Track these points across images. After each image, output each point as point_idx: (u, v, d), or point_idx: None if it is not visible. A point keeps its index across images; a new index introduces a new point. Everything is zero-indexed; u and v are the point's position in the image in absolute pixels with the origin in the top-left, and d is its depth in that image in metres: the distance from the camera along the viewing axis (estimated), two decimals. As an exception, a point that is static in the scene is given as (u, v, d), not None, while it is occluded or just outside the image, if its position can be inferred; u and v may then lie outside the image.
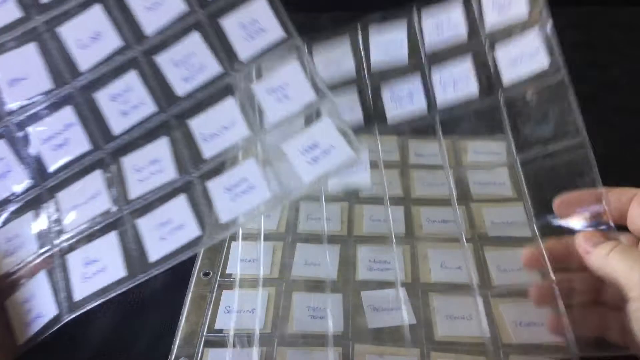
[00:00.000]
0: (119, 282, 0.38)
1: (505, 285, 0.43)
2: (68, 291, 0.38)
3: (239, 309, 0.42)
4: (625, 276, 0.32)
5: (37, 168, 0.40)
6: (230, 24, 0.40)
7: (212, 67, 0.40)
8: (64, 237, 0.39)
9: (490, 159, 0.53)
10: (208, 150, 0.40)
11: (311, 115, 0.39)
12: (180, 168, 0.39)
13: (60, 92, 0.40)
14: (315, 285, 0.43)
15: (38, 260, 0.39)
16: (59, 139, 0.40)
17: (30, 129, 0.40)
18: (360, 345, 0.39)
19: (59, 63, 0.40)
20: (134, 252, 0.38)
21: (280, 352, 0.39)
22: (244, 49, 0.40)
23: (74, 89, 0.40)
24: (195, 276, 0.45)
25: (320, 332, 0.40)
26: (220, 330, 0.41)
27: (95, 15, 0.40)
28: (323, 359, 0.39)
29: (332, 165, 0.37)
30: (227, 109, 0.40)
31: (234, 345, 0.40)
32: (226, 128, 0.39)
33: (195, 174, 0.39)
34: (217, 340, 0.40)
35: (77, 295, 0.38)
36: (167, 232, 0.38)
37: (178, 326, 0.41)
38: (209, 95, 0.40)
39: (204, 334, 0.41)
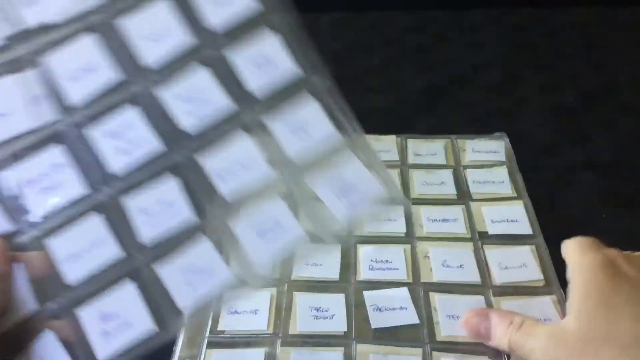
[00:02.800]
0: (149, 339, 0.33)
1: (507, 283, 0.43)
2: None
3: (242, 310, 0.42)
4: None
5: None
6: (241, 59, 0.38)
7: (222, 103, 0.37)
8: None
9: (489, 158, 0.53)
10: (228, 191, 0.35)
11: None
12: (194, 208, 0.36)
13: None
14: (318, 286, 0.43)
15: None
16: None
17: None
18: (363, 345, 0.39)
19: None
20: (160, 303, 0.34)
21: (283, 352, 0.39)
22: (257, 84, 0.37)
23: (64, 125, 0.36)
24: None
25: (323, 332, 0.40)
26: (223, 331, 0.41)
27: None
28: (326, 359, 0.38)
29: (365, 204, 0.36)
30: (244, 147, 0.37)
31: (237, 346, 0.40)
32: (245, 167, 0.36)
33: (214, 215, 0.35)
34: (220, 342, 0.40)
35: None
36: (194, 278, 0.34)
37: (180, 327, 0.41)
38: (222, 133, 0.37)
39: (207, 335, 0.40)
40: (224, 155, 0.36)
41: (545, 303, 0.41)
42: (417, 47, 0.69)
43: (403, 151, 0.54)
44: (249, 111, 0.37)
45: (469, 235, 0.46)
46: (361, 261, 0.45)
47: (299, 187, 0.36)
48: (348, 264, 0.45)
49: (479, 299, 0.42)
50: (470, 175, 0.51)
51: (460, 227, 0.47)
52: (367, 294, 0.42)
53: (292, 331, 0.40)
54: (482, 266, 0.44)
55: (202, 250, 0.35)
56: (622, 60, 0.65)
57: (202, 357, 0.39)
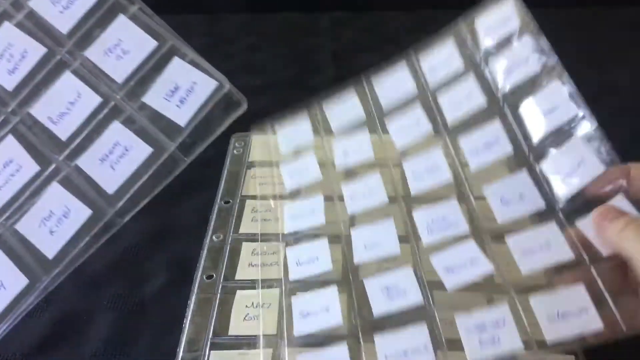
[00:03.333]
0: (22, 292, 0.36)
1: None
2: None
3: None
4: (638, 256, 0.31)
5: None
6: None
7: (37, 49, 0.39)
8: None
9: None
10: (63, 132, 0.38)
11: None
12: (39, 159, 0.38)
13: None
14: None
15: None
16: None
17: None
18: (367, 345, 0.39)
19: None
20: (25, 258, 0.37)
21: (287, 353, 0.39)
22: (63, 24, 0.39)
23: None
24: (198, 279, 0.44)
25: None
26: (227, 333, 0.40)
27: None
28: (332, 357, 0.38)
29: (201, 100, 0.36)
30: (68, 85, 0.38)
31: (240, 348, 0.39)
32: (73, 103, 0.38)
33: (60, 157, 0.37)
34: (224, 343, 0.40)
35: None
36: (54, 224, 0.36)
37: (183, 329, 0.41)
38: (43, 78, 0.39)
39: (210, 336, 0.40)
40: (51, 100, 0.38)
41: None
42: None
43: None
44: (63, 51, 0.39)
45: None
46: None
47: (137, 104, 0.37)
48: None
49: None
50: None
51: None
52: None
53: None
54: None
55: (53, 196, 0.36)
56: (622, 61, 0.65)
57: (206, 358, 0.39)
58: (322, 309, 0.40)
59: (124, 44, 0.37)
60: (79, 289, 0.46)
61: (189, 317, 0.42)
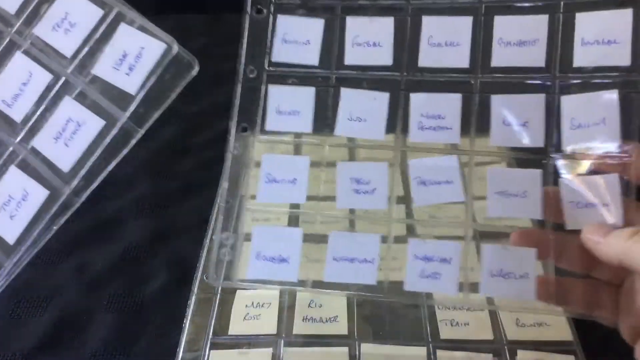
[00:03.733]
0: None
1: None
2: None
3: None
4: None
5: None
6: None
7: None
8: None
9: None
10: (17, 114, 0.37)
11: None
12: None
13: None
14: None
15: None
16: None
17: None
18: (367, 345, 0.39)
19: None
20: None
21: (287, 352, 0.39)
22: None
23: None
24: (198, 279, 0.44)
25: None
26: (227, 333, 0.40)
27: None
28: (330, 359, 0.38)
29: (150, 64, 0.35)
30: (19, 65, 0.38)
31: (241, 347, 0.39)
32: (26, 84, 0.37)
33: (16, 140, 0.37)
34: (224, 343, 0.40)
35: None
36: (13, 208, 0.36)
37: (183, 329, 0.41)
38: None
39: (210, 336, 0.40)
40: (4, 82, 0.38)
41: None
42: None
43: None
44: (12, 31, 0.39)
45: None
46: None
47: (87, 77, 0.36)
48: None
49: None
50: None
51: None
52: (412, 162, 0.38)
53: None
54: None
55: (11, 180, 0.36)
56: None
57: (206, 358, 0.39)
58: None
59: (71, 17, 0.37)
60: (79, 289, 0.46)
61: (189, 317, 0.42)
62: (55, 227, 0.36)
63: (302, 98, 0.39)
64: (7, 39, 0.39)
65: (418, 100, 0.38)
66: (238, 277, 0.37)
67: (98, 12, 0.37)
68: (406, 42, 0.38)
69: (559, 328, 0.39)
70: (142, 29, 0.35)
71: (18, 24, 0.38)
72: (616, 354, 0.33)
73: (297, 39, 0.39)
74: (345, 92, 0.38)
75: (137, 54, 0.35)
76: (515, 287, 0.34)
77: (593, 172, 0.34)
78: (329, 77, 0.39)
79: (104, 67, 0.36)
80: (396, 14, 0.38)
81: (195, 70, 0.36)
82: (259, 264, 0.36)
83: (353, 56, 0.38)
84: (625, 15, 0.34)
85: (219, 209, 0.39)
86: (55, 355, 0.41)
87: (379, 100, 0.38)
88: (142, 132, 0.36)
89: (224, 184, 0.39)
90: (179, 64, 0.35)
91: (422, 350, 0.39)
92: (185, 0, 0.82)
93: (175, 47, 0.34)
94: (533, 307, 0.35)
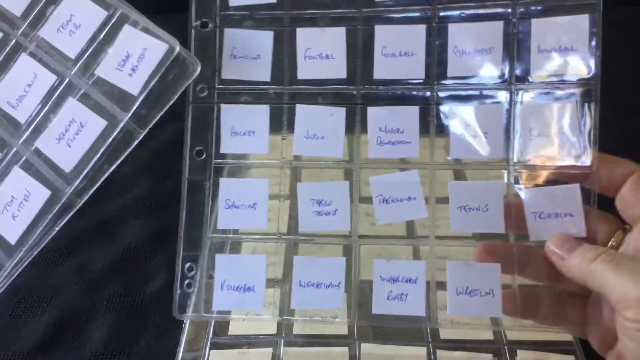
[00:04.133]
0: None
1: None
2: None
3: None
4: (621, 290, 0.28)
5: None
6: None
7: None
8: None
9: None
10: (22, 115, 0.37)
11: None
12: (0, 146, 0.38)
13: None
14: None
15: None
16: None
17: None
18: (366, 344, 0.39)
19: None
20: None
21: (287, 352, 0.39)
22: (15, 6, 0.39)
23: None
24: (198, 279, 0.44)
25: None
26: (227, 333, 0.40)
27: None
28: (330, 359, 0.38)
29: (152, 65, 0.35)
30: (24, 67, 0.38)
31: (240, 347, 0.39)
32: (30, 85, 0.37)
33: (19, 141, 0.37)
34: (224, 343, 0.40)
35: None
36: (15, 208, 0.36)
37: (183, 329, 0.41)
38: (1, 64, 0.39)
39: (210, 336, 0.40)
40: (10, 84, 0.38)
41: None
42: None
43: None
44: (18, 33, 0.39)
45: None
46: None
47: (91, 79, 0.36)
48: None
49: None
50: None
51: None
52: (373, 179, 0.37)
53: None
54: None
55: (14, 181, 0.37)
56: (622, 60, 0.65)
57: (206, 358, 0.39)
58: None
59: (75, 19, 0.37)
60: (79, 289, 0.46)
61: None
62: (56, 228, 0.36)
63: (256, 117, 0.38)
64: (13, 41, 0.39)
65: (375, 115, 0.37)
66: (203, 310, 0.37)
67: (102, 14, 0.37)
68: (359, 53, 0.37)
69: (559, 328, 0.39)
70: (145, 30, 0.35)
71: (24, 27, 0.39)
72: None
73: (246, 53, 0.38)
74: (301, 109, 0.37)
75: (139, 55, 0.35)
76: (482, 305, 0.34)
77: (554, 182, 0.34)
78: (282, 93, 0.38)
79: (107, 68, 0.36)
80: (347, 24, 0.37)
81: (197, 72, 0.36)
82: (224, 294, 0.36)
83: (306, 70, 0.37)
84: (582, 21, 0.34)
85: (179, 241, 0.38)
86: (55, 355, 0.41)
87: (336, 116, 0.37)
88: (143, 133, 0.36)
89: (182, 213, 0.38)
90: (181, 64, 0.35)
91: (422, 350, 0.39)
92: (186, 0, 0.82)
93: (177, 48, 0.34)
94: (501, 323, 0.35)
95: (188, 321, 0.41)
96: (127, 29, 0.36)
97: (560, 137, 0.34)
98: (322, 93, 0.38)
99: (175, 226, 0.51)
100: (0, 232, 0.36)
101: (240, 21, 0.38)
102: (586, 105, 0.34)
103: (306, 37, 0.37)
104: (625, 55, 0.66)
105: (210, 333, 0.40)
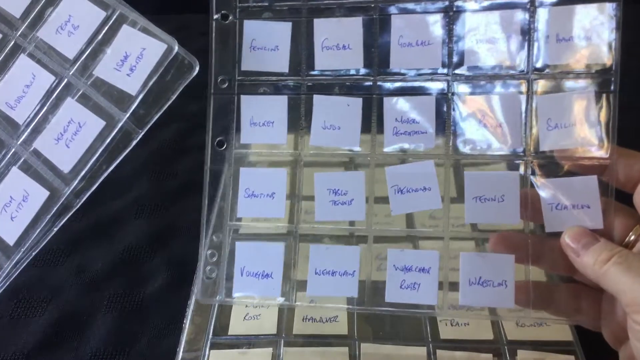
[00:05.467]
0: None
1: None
2: None
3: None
4: (631, 295, 0.29)
5: None
6: None
7: None
8: None
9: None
10: (20, 116, 0.37)
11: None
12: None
13: None
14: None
15: None
16: None
17: None
18: (367, 344, 0.39)
19: None
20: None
21: (287, 352, 0.39)
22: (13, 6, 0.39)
23: None
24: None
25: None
26: (227, 333, 0.40)
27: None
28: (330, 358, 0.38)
29: (151, 65, 0.35)
30: (23, 68, 0.38)
31: (240, 347, 0.39)
32: (28, 86, 0.38)
33: (18, 142, 0.37)
34: (224, 343, 0.40)
35: None
36: (14, 209, 0.36)
37: (182, 328, 0.41)
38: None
39: (210, 336, 0.40)
40: (9, 85, 0.38)
41: None
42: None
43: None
44: (17, 34, 0.39)
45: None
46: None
47: (89, 79, 0.36)
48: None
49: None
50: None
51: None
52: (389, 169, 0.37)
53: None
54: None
55: (13, 181, 0.37)
56: (622, 60, 0.65)
57: (206, 358, 0.39)
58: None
59: (74, 19, 0.37)
60: (79, 289, 0.46)
61: (189, 317, 0.42)
62: (55, 229, 0.36)
63: (275, 108, 0.38)
64: (12, 42, 0.39)
65: (392, 105, 0.37)
66: (224, 294, 0.37)
67: (100, 14, 0.37)
68: (376, 43, 0.37)
69: (559, 328, 0.39)
70: (143, 30, 0.35)
71: (23, 27, 0.39)
72: (616, 354, 0.33)
73: (265, 45, 0.38)
74: (318, 100, 0.38)
75: (138, 55, 0.35)
76: (494, 295, 0.34)
77: (571, 173, 0.34)
78: (301, 84, 0.38)
79: (105, 69, 0.36)
80: (364, 14, 0.37)
81: (195, 71, 0.36)
82: (244, 280, 0.37)
83: (323, 60, 0.38)
84: (603, 10, 0.34)
85: (202, 227, 0.39)
86: (55, 355, 0.41)
87: (352, 106, 0.37)
88: (142, 133, 0.36)
89: (204, 201, 0.39)
90: (180, 64, 0.35)
91: (422, 350, 0.39)
92: (185, 0, 0.82)
93: (176, 48, 0.35)
94: (512, 315, 0.35)
95: (188, 321, 0.41)
96: (125, 29, 0.36)
97: (577, 128, 0.34)
98: (338, 83, 0.38)
99: (175, 226, 0.51)
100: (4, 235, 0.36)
101: (259, 13, 0.39)
102: (604, 96, 0.34)
103: (323, 28, 0.38)
104: (626, 55, 0.66)
105: (210, 333, 0.40)
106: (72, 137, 0.36)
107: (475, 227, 0.38)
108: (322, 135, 0.37)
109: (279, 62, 0.38)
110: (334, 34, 0.37)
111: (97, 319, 0.44)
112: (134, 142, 0.36)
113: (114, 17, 0.36)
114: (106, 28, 0.37)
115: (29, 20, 0.39)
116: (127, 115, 0.35)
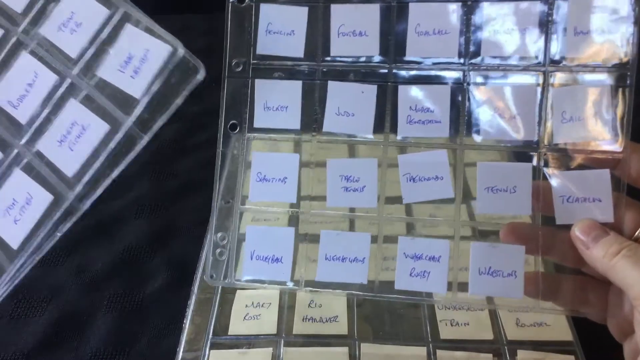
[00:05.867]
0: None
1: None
2: None
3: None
4: (637, 289, 0.29)
5: None
6: None
7: None
8: None
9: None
10: (22, 115, 0.37)
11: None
12: (1, 147, 0.37)
13: None
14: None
15: None
16: None
17: None
18: (367, 344, 0.39)
19: None
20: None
21: (287, 352, 0.39)
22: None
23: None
24: (198, 279, 0.44)
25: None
26: (227, 333, 0.40)
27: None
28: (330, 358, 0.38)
29: (155, 68, 0.34)
30: (25, 66, 0.37)
31: (240, 347, 0.40)
32: (31, 85, 0.37)
33: (21, 142, 0.37)
34: (224, 343, 0.40)
35: None
36: (17, 212, 0.36)
37: (182, 328, 0.41)
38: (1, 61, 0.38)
39: (210, 336, 0.40)
40: (10, 83, 0.37)
41: None
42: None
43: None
44: (19, 30, 0.38)
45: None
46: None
47: (92, 79, 0.36)
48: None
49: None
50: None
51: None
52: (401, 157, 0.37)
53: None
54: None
55: (16, 183, 0.36)
56: None
57: (206, 358, 0.39)
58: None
59: (77, 17, 0.36)
60: (79, 289, 0.46)
61: (189, 317, 0.42)
62: (59, 234, 0.36)
63: (289, 93, 0.38)
64: (14, 39, 0.38)
65: (406, 93, 0.37)
66: (234, 277, 0.37)
67: (104, 12, 0.36)
68: (393, 30, 0.37)
69: (559, 328, 0.39)
70: (147, 30, 0.35)
71: (24, 23, 0.38)
72: (616, 354, 0.33)
73: (281, 29, 0.38)
74: (333, 86, 0.37)
75: (142, 57, 0.34)
76: (503, 285, 0.34)
77: (584, 167, 0.34)
78: (316, 70, 0.38)
79: (109, 69, 0.35)
80: (382, 1, 0.37)
81: (200, 75, 0.35)
82: (253, 264, 0.36)
83: (339, 46, 0.37)
84: (623, 3, 0.33)
85: (213, 210, 0.38)
86: (55, 355, 0.41)
87: (367, 93, 0.37)
88: (146, 137, 0.36)
89: (216, 184, 0.38)
90: (184, 67, 0.35)
91: (422, 350, 0.39)
92: (185, 0, 0.82)
93: (181, 51, 0.34)
94: (520, 305, 0.34)
95: (188, 321, 0.41)
96: (129, 28, 0.35)
97: (592, 122, 0.34)
98: (354, 70, 0.38)
99: (175, 226, 0.51)
100: (2, 235, 0.36)
101: None
102: (620, 90, 0.34)
103: (340, 14, 0.37)
104: None
105: (210, 333, 0.40)
106: (76, 140, 0.35)
107: (473, 217, 0.38)
108: (336, 122, 0.37)
109: (295, 46, 0.38)
110: (351, 20, 0.37)
111: (97, 319, 0.44)
112: (139, 147, 0.36)
113: (118, 15, 0.36)
114: (109, 27, 0.36)
115: (30, 16, 0.38)
116: (132, 119, 0.34)
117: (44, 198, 0.35)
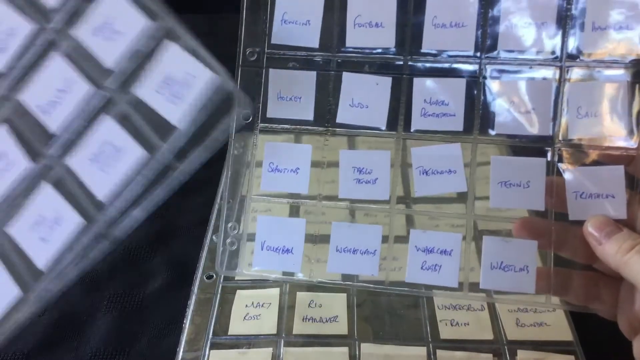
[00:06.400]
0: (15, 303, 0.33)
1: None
2: None
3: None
4: None
5: None
6: None
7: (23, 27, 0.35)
8: None
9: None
10: (52, 123, 0.34)
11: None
12: (31, 154, 0.35)
13: None
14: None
15: None
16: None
17: None
18: (367, 345, 0.39)
19: None
20: (17, 265, 0.34)
21: (287, 352, 0.39)
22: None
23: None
24: (198, 279, 0.44)
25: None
26: (227, 333, 0.40)
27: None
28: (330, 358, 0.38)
29: (196, 95, 0.31)
30: (56, 70, 0.35)
31: (240, 347, 0.39)
32: (63, 91, 0.34)
33: (48, 152, 0.35)
34: (224, 343, 0.40)
35: None
36: (45, 230, 0.34)
37: (182, 328, 0.41)
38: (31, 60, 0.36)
39: (210, 336, 0.40)
40: (40, 86, 0.35)
41: None
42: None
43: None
44: (51, 27, 0.36)
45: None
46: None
47: (127, 96, 0.33)
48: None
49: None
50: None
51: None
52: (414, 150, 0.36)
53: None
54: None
55: (43, 198, 0.34)
56: None
57: (206, 358, 0.39)
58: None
59: (114, 23, 0.33)
60: (79, 289, 0.46)
61: (189, 317, 0.42)
62: (88, 260, 0.34)
63: (303, 83, 0.38)
64: (45, 37, 0.35)
65: (421, 85, 0.36)
66: (244, 268, 0.37)
67: (146, 24, 0.32)
68: (410, 22, 0.36)
69: (559, 328, 0.39)
70: (192, 52, 0.32)
71: (57, 21, 0.35)
72: (616, 354, 0.33)
73: (296, 19, 0.37)
74: (347, 77, 0.37)
75: (185, 81, 0.31)
76: (515, 280, 0.34)
77: (598, 163, 0.34)
78: (330, 61, 0.38)
79: (145, 88, 0.32)
80: None
81: (245, 108, 0.34)
82: (264, 254, 0.36)
83: (354, 38, 0.37)
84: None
85: (223, 200, 0.38)
86: (55, 355, 0.41)
87: (381, 85, 0.37)
88: (181, 168, 0.33)
89: (227, 173, 0.38)
90: (226, 98, 0.32)
91: (422, 350, 0.39)
92: (185, 0, 0.82)
93: (231, 84, 0.31)
94: (532, 300, 0.35)
95: (188, 321, 0.41)
96: (171, 47, 0.32)
97: (608, 118, 0.34)
98: (369, 62, 0.37)
99: (175, 226, 0.51)
100: (28, 252, 0.33)
101: None
102: (637, 86, 0.34)
103: (356, 4, 0.37)
104: None
105: (210, 333, 0.40)
106: (109, 162, 0.32)
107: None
108: (349, 113, 0.37)
109: (310, 37, 0.37)
110: (367, 11, 0.37)
111: (97, 319, 0.44)
112: (174, 178, 0.33)
113: (160, 30, 0.33)
114: (150, 41, 0.33)
115: (63, 14, 0.35)
116: (169, 147, 0.31)
117: (74, 220, 0.33)
